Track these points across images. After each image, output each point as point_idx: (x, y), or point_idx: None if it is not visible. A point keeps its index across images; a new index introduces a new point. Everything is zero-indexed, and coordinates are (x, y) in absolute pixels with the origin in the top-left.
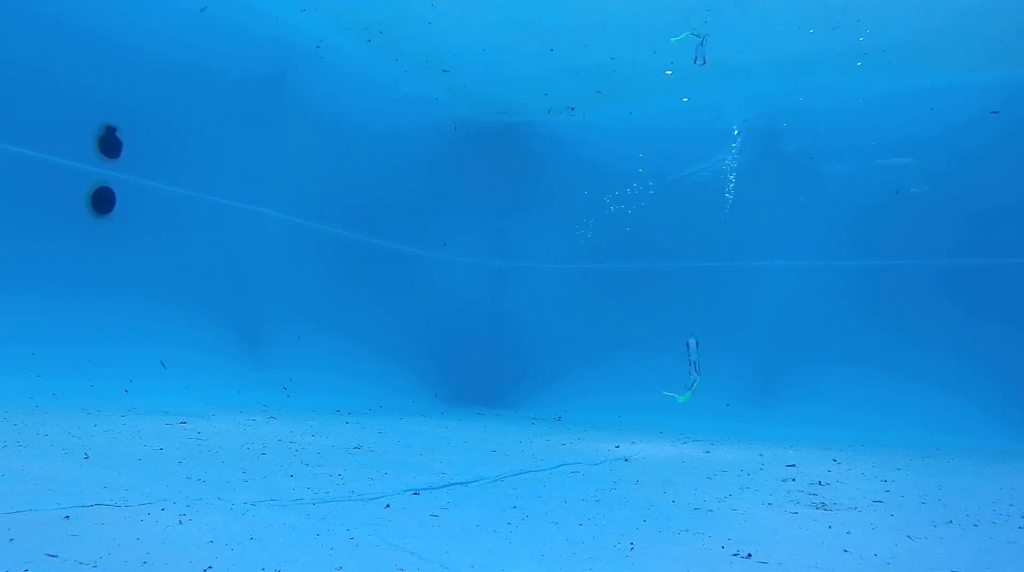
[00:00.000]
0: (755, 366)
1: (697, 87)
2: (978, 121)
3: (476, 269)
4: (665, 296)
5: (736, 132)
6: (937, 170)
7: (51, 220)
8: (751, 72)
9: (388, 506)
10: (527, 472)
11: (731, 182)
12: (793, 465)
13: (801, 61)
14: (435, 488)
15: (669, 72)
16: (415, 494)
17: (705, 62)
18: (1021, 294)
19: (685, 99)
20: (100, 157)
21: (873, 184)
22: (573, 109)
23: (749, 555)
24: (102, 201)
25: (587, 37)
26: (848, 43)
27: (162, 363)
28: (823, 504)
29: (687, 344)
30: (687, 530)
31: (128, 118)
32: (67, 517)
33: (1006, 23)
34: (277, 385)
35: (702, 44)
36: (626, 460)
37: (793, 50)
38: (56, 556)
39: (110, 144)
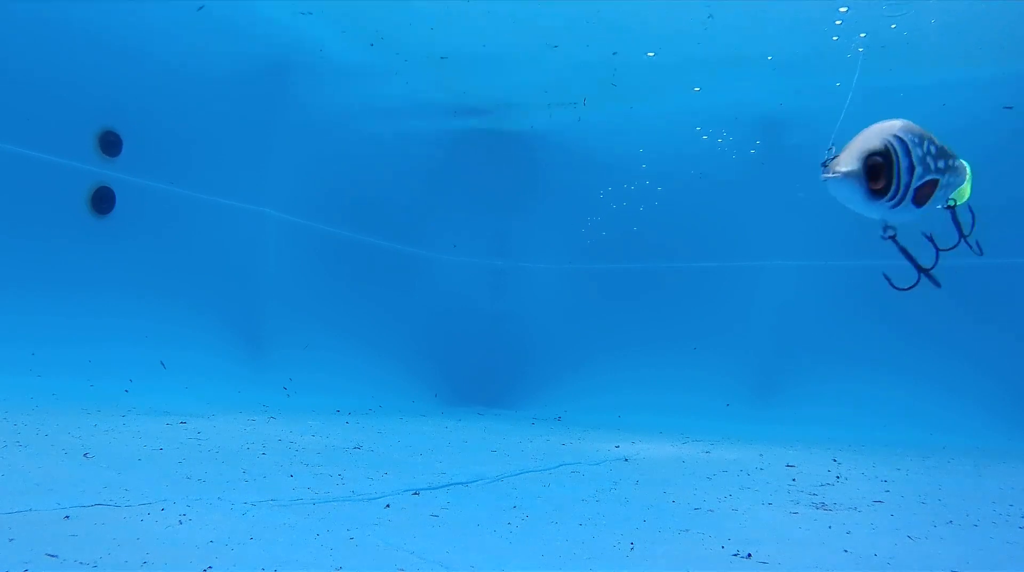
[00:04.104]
0: (755, 366)
1: (698, 84)
2: (982, 119)
3: (476, 269)
4: (665, 296)
5: (734, 136)
6: None
7: (51, 220)
8: (753, 68)
9: (388, 506)
10: (527, 472)
11: (731, 180)
12: (793, 465)
13: (804, 57)
14: (435, 488)
15: (651, 54)
16: (415, 494)
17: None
18: (1021, 294)
19: (697, 89)
20: (100, 155)
21: None
22: (582, 103)
23: (749, 555)
24: (102, 201)
25: (588, 36)
26: (852, 39)
27: (162, 363)
28: (823, 504)
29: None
30: (687, 530)
31: (128, 118)
32: (67, 517)
33: (1014, 20)
34: (277, 385)
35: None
36: (626, 460)
37: (795, 46)
38: (56, 556)
39: (110, 142)
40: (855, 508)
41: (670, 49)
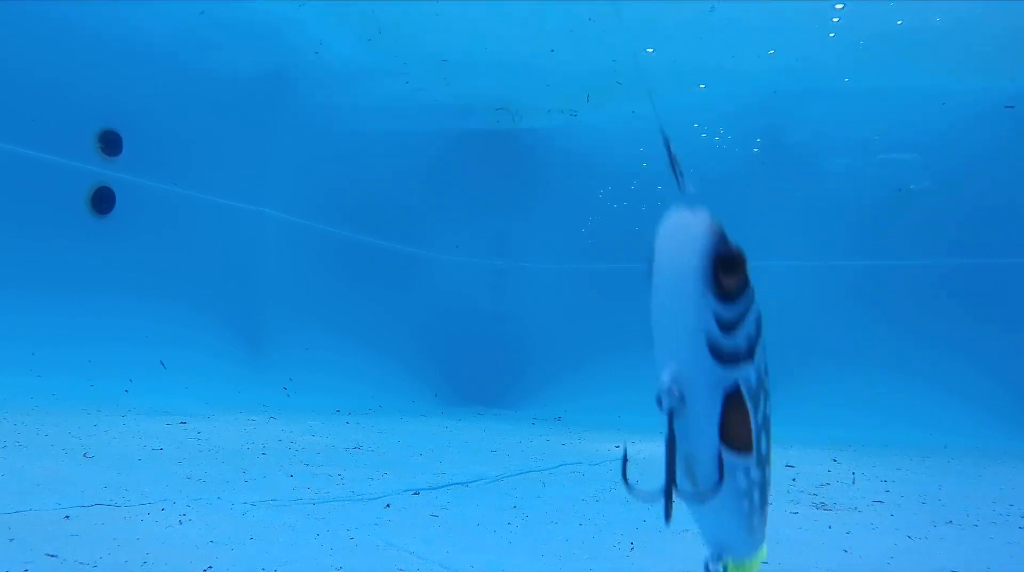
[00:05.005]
0: None
1: (699, 83)
2: (984, 119)
3: (476, 269)
4: None
5: (734, 135)
6: (941, 167)
7: (51, 220)
8: (754, 67)
9: (388, 506)
10: (527, 472)
11: (731, 180)
12: (793, 465)
13: (805, 56)
14: (435, 488)
15: (651, 50)
16: (415, 494)
17: None
18: (1022, 294)
19: (702, 86)
20: (100, 155)
21: (875, 180)
22: (584, 102)
23: None
24: (102, 201)
25: (588, 36)
26: (852, 38)
27: (162, 363)
28: (823, 504)
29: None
30: (687, 530)
31: (128, 118)
32: (67, 517)
33: (1016, 20)
34: (277, 385)
35: None
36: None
37: (796, 45)
38: (56, 556)
39: (110, 142)
40: (855, 508)
41: (670, 48)
